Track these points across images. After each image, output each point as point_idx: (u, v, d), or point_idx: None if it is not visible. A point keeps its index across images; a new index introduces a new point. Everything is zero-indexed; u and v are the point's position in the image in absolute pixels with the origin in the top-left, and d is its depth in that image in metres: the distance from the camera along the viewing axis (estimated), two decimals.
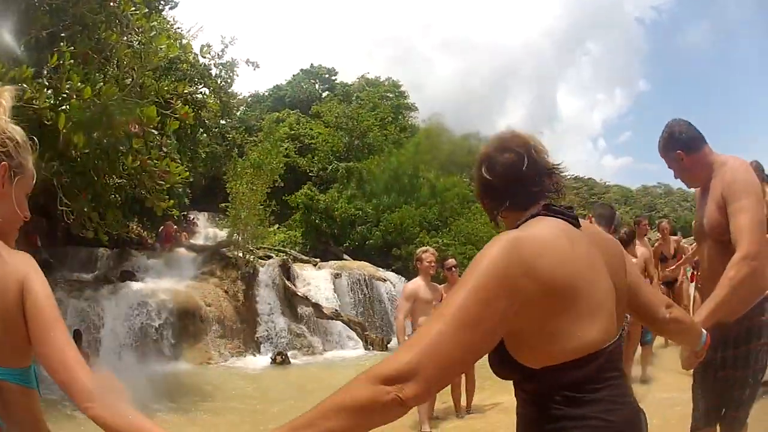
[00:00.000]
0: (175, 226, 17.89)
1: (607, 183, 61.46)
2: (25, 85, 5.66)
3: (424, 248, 7.11)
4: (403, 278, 17.34)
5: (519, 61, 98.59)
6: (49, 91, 5.86)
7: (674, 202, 53.13)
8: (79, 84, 5.99)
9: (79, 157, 6.35)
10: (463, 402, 7.14)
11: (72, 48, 6.08)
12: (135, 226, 15.40)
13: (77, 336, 9.83)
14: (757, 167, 5.41)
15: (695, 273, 8.04)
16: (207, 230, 21.77)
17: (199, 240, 19.49)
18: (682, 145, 2.85)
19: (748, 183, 2.68)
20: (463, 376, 7.04)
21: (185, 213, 19.60)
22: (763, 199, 2.64)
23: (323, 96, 35.46)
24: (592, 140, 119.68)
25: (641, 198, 56.77)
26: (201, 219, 22.86)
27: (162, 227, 16.96)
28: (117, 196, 8.59)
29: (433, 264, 6.70)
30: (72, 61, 6.08)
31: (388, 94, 34.36)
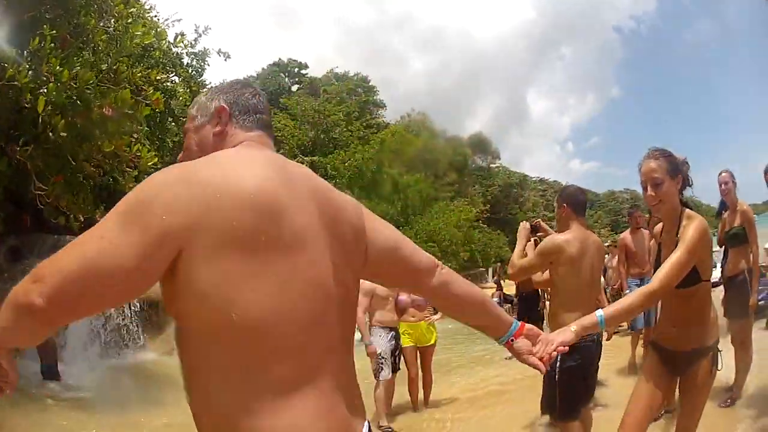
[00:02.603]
0: None
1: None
2: (6, 64, 5.67)
3: None
4: None
5: (491, 60, 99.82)
6: (30, 72, 5.86)
7: (641, 208, 54.34)
8: (58, 68, 6.01)
9: (57, 139, 6.33)
10: (421, 396, 7.29)
11: (54, 32, 6.08)
12: (101, 215, 15.20)
13: None
14: (730, 175, 5.50)
15: None
16: None
17: None
18: None
19: None
20: (420, 371, 7.24)
21: None
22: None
23: (293, 90, 35.40)
24: (560, 143, 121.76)
25: (607, 203, 57.74)
26: None
27: None
28: (89, 181, 8.55)
29: None
30: (52, 44, 6.09)
31: (356, 89, 34.50)
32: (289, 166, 1.45)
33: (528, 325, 2.03)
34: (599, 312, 2.63)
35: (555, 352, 2.10)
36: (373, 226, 1.64)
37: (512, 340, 1.96)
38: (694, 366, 2.97)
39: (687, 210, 2.91)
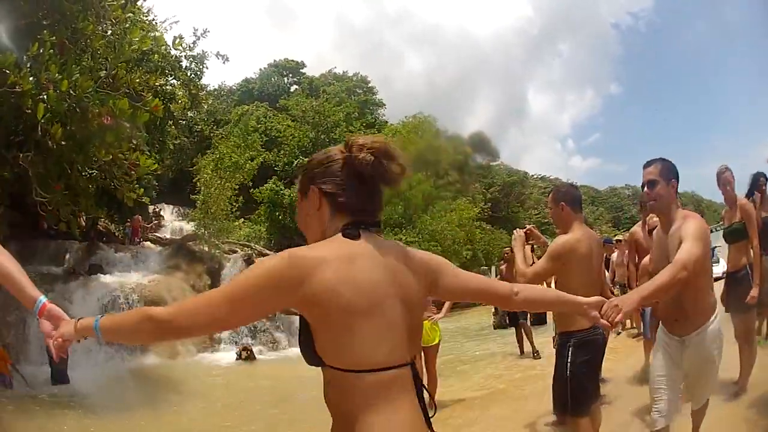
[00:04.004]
0: (146, 222, 17.79)
1: (574, 183, 62.40)
2: (7, 71, 5.68)
3: None
4: None
5: (488, 57, 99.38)
6: (31, 78, 5.88)
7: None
8: (57, 75, 6.01)
9: (56, 147, 6.35)
10: (426, 398, 7.24)
11: (53, 38, 6.09)
12: (103, 220, 15.25)
13: None
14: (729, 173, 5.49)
15: None
16: (173, 224, 21.50)
17: (165, 234, 19.30)
18: None
19: None
20: (425, 373, 7.17)
21: (152, 206, 19.45)
22: None
23: (292, 90, 35.41)
24: (561, 140, 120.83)
25: (609, 198, 57.55)
26: (167, 212, 22.53)
27: (128, 221, 16.82)
28: (90, 186, 8.57)
29: None
30: (51, 50, 6.10)
31: (356, 90, 34.49)
32: None
33: (49, 307, 1.98)
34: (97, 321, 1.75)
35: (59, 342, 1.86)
36: None
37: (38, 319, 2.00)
38: None
39: None
